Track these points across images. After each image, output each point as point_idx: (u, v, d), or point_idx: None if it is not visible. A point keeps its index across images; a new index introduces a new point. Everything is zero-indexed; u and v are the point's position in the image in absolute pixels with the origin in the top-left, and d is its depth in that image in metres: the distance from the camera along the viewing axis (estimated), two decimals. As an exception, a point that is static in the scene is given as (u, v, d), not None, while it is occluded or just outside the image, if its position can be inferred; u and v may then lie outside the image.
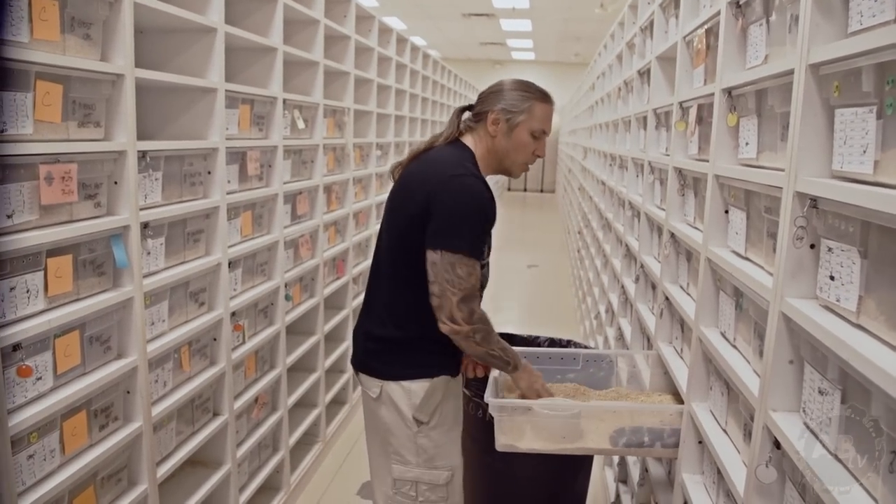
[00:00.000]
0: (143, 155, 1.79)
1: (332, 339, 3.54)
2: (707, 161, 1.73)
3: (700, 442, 1.71)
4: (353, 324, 3.73)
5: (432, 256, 1.68)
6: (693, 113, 1.94)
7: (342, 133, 3.53)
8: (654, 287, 2.44)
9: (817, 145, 1.14)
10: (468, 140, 1.87)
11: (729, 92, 1.60)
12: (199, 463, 2.30)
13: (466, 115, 1.91)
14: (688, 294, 2.01)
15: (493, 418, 1.88)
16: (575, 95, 9.69)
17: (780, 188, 1.22)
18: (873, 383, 0.89)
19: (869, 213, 0.96)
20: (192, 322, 2.09)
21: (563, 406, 1.89)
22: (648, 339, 2.40)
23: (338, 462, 3.31)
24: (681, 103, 2.11)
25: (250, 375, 2.56)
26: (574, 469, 2.31)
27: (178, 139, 2.11)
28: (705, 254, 1.69)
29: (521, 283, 7.42)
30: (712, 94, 1.70)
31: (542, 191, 18.07)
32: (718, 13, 1.67)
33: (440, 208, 1.69)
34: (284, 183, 2.73)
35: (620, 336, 3.02)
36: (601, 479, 3.08)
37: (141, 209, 1.78)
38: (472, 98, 2.07)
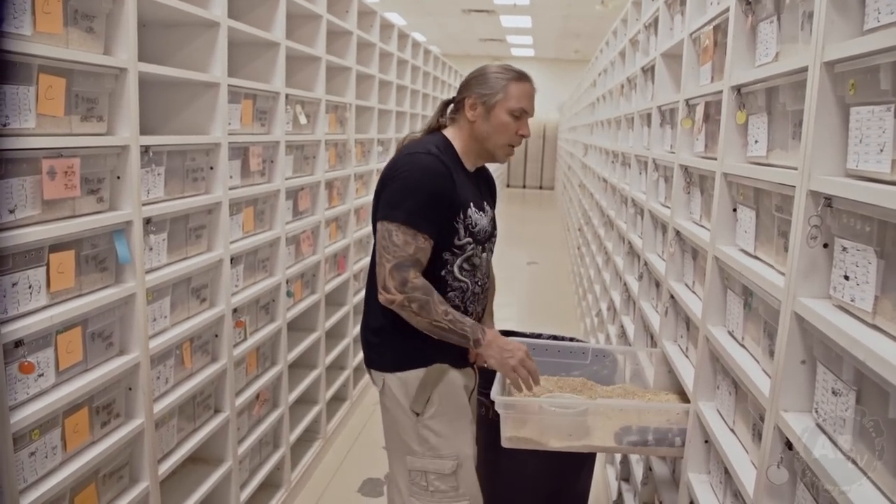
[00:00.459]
0: (145, 150, 1.78)
1: (333, 335, 3.53)
2: (715, 159, 1.72)
3: (706, 441, 1.70)
4: (354, 321, 3.78)
5: (378, 229, 1.72)
6: (700, 110, 1.93)
7: (344, 129, 3.51)
8: (657, 285, 2.43)
9: (831, 144, 1.13)
10: (449, 131, 1.87)
11: (738, 89, 1.59)
12: (201, 460, 2.29)
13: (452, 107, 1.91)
14: (693, 292, 2.00)
15: (497, 415, 1.87)
16: (575, 92, 9.68)
17: (793, 187, 1.21)
18: (891, 384, 0.88)
19: (887, 212, 0.94)
20: (193, 318, 2.08)
21: (572, 404, 1.88)
22: (652, 337, 2.39)
23: (339, 459, 3.30)
24: (687, 100, 2.10)
25: (251, 372, 2.54)
26: (577, 467, 2.30)
27: (180, 134, 2.10)
28: (713, 252, 1.68)
29: (520, 279, 7.41)
30: (720, 92, 1.69)
31: (541, 187, 18.05)
32: (727, 10, 1.66)
33: (389, 184, 1.73)
34: (286, 179, 2.72)
35: (623, 333, 3.01)
36: (602, 476, 3.07)
37: (143, 204, 1.77)
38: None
